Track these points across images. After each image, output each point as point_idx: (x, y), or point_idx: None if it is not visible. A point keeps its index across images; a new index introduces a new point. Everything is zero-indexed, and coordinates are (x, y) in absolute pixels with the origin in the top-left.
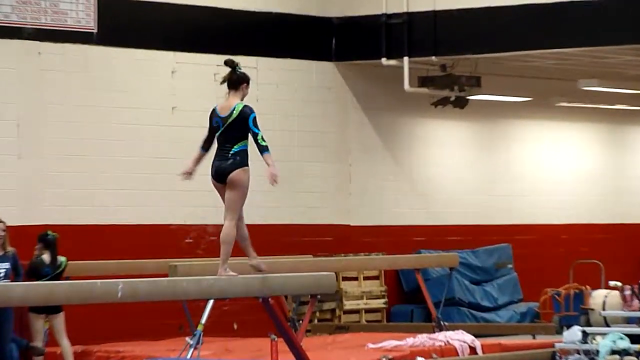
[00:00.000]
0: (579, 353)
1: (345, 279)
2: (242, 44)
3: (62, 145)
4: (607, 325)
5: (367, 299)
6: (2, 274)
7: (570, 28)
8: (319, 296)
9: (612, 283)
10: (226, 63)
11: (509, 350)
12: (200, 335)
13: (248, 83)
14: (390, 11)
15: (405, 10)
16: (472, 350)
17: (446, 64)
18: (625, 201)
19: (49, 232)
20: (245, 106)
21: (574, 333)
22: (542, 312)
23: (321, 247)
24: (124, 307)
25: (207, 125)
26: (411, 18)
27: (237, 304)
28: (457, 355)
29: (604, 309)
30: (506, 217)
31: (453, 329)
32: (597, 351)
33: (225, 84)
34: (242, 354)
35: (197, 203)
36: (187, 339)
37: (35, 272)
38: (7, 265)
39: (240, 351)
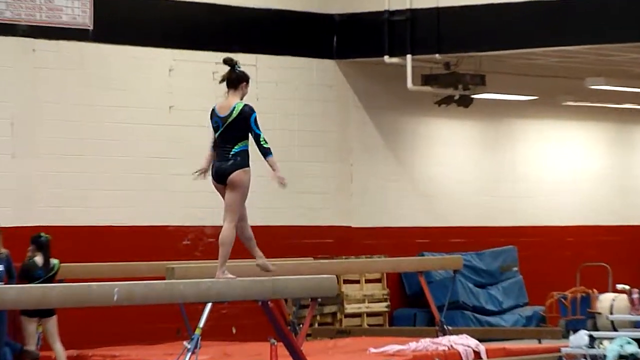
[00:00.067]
0: (585, 358)
1: (346, 281)
2: (241, 41)
3: (57, 145)
4: (615, 330)
5: (368, 302)
6: None
7: (575, 25)
8: (319, 299)
9: (619, 286)
10: (225, 62)
11: (514, 355)
12: (198, 339)
13: (248, 82)
14: (393, 8)
15: (408, 7)
16: (477, 355)
17: (450, 61)
18: (633, 202)
19: (42, 234)
20: (245, 105)
21: (581, 337)
22: (548, 315)
23: (322, 249)
24: (120, 310)
25: (207, 125)
26: (414, 15)
27: (236, 307)
28: None
29: (611, 313)
30: (511, 219)
31: (457, 333)
32: (604, 356)
33: (225, 83)
34: (241, 359)
35: (195, 204)
36: (185, 343)
37: (28, 274)
38: (0, 267)
39: (239, 356)
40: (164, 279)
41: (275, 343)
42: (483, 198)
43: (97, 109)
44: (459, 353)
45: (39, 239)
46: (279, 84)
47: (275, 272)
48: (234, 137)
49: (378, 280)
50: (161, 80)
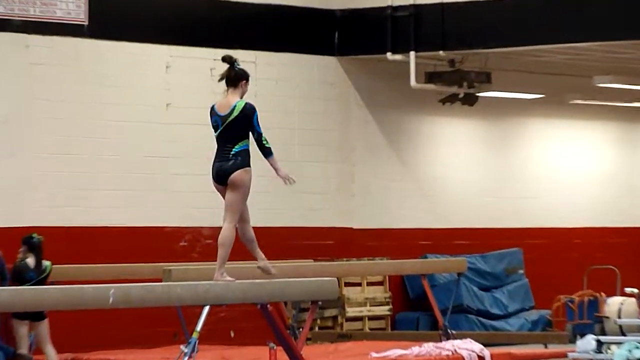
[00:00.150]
0: None
1: (347, 284)
2: (240, 37)
3: (51, 143)
4: (623, 334)
5: (370, 305)
6: None
7: (583, 22)
8: (320, 302)
9: (628, 290)
10: (224, 59)
11: None
12: (195, 343)
13: (247, 80)
14: (396, 3)
15: (411, 2)
16: None
17: (454, 59)
18: None
19: (34, 235)
20: (246, 104)
21: (588, 342)
22: (554, 320)
23: (322, 251)
24: (116, 313)
25: (205, 123)
26: (418, 10)
27: (235, 310)
28: None
29: (619, 317)
30: (517, 220)
31: (461, 337)
32: None
33: (224, 81)
34: None
35: (193, 204)
36: (182, 347)
37: (19, 276)
38: None
39: None
40: (160, 281)
41: (275, 347)
42: (488, 199)
43: (92, 106)
44: (463, 358)
45: (31, 239)
46: (278, 81)
47: (277, 275)
48: (234, 136)
49: (380, 283)
50: (158, 77)
